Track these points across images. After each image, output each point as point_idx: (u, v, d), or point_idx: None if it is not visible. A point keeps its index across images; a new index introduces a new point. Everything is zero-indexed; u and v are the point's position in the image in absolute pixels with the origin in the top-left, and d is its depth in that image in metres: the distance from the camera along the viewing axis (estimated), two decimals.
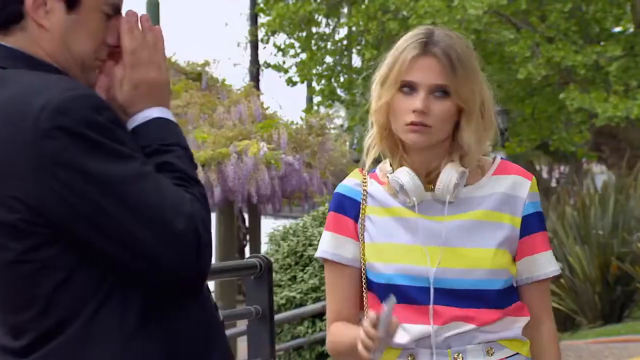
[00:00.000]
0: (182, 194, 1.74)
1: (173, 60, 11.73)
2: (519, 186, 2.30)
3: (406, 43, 2.25)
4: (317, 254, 2.37)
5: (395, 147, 2.30)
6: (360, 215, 2.32)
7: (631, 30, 15.91)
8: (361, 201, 2.32)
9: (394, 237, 2.29)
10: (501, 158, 2.38)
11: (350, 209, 2.33)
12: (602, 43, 15.18)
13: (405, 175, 2.27)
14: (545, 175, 24.16)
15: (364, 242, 2.31)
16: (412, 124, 2.23)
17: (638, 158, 13.83)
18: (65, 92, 1.70)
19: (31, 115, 1.68)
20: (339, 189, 2.37)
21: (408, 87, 2.24)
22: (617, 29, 16.12)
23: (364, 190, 2.32)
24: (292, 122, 11.79)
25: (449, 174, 2.26)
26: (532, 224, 2.30)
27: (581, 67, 14.46)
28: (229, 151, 10.08)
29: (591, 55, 14.49)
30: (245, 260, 6.65)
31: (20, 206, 1.69)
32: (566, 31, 14.94)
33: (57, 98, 1.68)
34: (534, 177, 2.36)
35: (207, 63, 11.91)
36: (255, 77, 18.89)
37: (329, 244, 2.34)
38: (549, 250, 2.33)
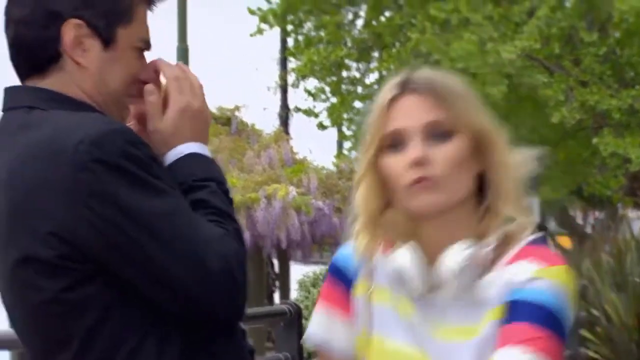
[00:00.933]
0: (216, 231, 1.73)
1: None
2: (520, 274, 1.67)
3: (382, 92, 1.83)
4: (307, 335, 1.88)
5: (401, 229, 1.74)
6: (358, 292, 1.82)
7: None
8: (361, 274, 1.82)
9: (391, 333, 1.75)
10: (532, 240, 1.72)
11: (347, 279, 1.86)
12: (637, 87, 15.01)
13: (403, 257, 1.72)
14: (580, 221, 23.91)
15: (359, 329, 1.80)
16: (415, 181, 1.70)
17: None
18: (102, 127, 1.72)
19: (68, 150, 1.69)
20: (339, 254, 1.91)
21: (395, 141, 1.75)
22: None
23: (369, 260, 1.81)
24: (322, 167, 11.68)
25: (450, 262, 1.67)
26: (514, 311, 1.63)
27: (616, 111, 14.30)
28: (259, 196, 9.99)
29: (626, 99, 14.34)
30: (274, 306, 6.54)
31: (57, 242, 1.67)
32: (600, 75, 14.80)
33: (94, 132, 1.70)
34: (558, 264, 1.68)
35: (236, 108, 11.86)
36: (285, 121, 18.86)
37: (319, 324, 1.86)
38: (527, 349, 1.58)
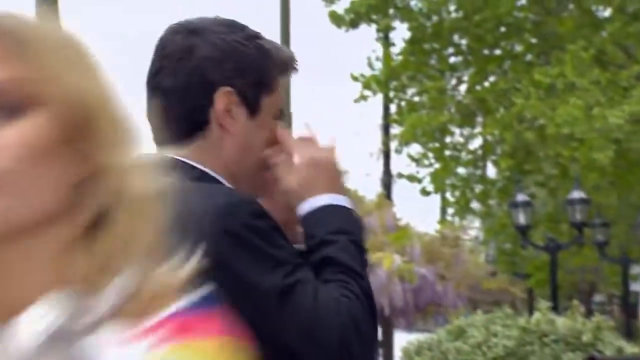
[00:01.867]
0: (337, 302, 1.70)
1: None
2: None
3: None
4: None
5: None
6: None
7: None
8: None
9: None
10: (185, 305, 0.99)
11: None
12: None
13: None
14: None
15: None
16: None
17: None
18: (227, 198, 1.73)
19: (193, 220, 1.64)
20: None
21: None
22: None
23: None
24: (425, 234, 11.55)
25: (22, 337, 0.92)
26: None
27: None
28: None
29: None
30: None
31: None
32: None
33: (219, 203, 1.70)
34: (207, 337, 0.96)
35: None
36: (387, 187, 18.78)
37: None
38: None
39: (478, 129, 18.07)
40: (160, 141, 1.82)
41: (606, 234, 16.87)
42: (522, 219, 14.16)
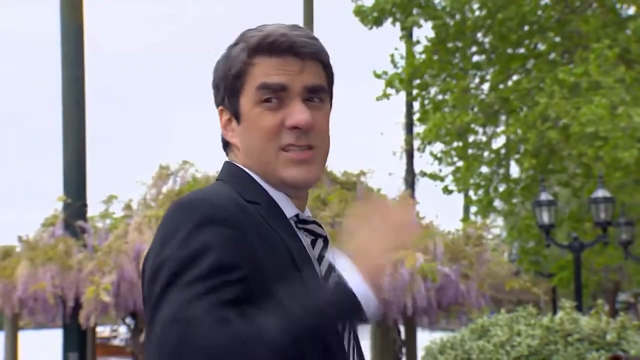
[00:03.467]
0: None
1: (328, 170, 11.71)
2: None
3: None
4: None
5: None
6: None
7: None
8: None
9: None
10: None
11: None
12: None
13: None
14: None
15: None
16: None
17: None
18: (198, 194, 1.86)
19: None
20: None
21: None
22: None
23: None
24: (448, 232, 11.52)
25: None
26: None
27: None
28: (385, 262, 9.91)
29: None
30: None
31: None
32: None
33: (187, 197, 1.86)
34: None
35: (362, 173, 11.83)
36: (410, 185, 18.76)
37: None
38: None
39: (501, 128, 18.02)
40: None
41: (630, 233, 16.80)
42: (545, 218, 14.12)
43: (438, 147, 18.11)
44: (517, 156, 17.80)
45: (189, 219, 1.79)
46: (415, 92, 17.95)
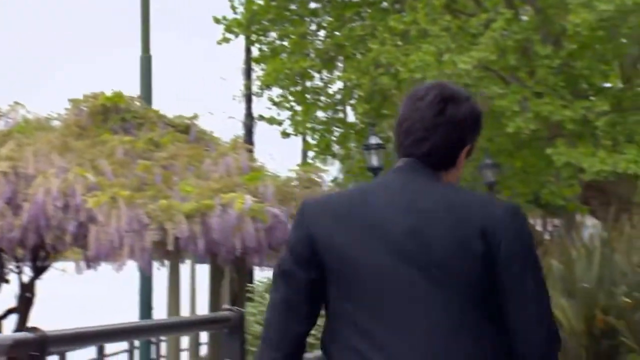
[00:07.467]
0: None
1: (161, 113, 11.87)
2: None
3: None
4: None
5: None
6: None
7: (619, 85, 16.07)
8: None
9: None
10: None
11: None
12: (590, 98, 15.33)
13: None
14: (539, 228, 24.22)
15: None
16: None
17: (625, 211, 13.90)
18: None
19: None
20: None
21: None
22: (606, 85, 16.30)
23: None
24: (278, 175, 11.86)
25: None
26: None
27: (569, 121, 14.59)
28: (214, 203, 10.15)
29: (579, 110, 14.63)
30: (218, 313, 6.69)
31: None
32: (554, 86, 15.09)
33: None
34: None
35: (195, 116, 12.03)
36: (249, 130, 19.03)
37: None
38: None
39: (338, 74, 18.48)
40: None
41: None
42: (375, 161, 14.67)
43: (276, 91, 18.46)
44: (352, 101, 18.33)
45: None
46: (253, 37, 18.18)
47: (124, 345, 16.54)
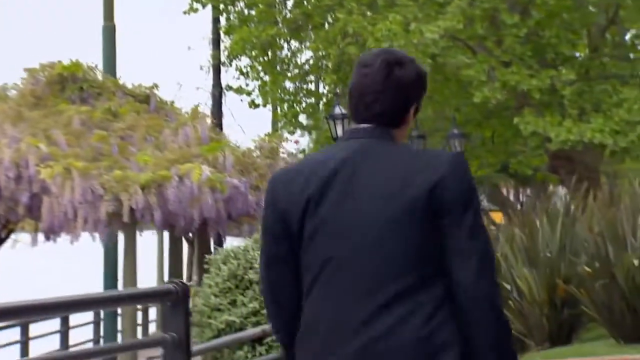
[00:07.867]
0: None
1: (120, 82, 11.73)
2: None
3: None
4: None
5: None
6: None
7: (586, 54, 16.00)
8: None
9: None
10: None
11: None
12: (557, 67, 15.25)
13: None
14: (512, 198, 24.26)
15: None
16: None
17: (592, 180, 13.88)
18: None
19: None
20: None
21: None
22: (573, 54, 16.23)
23: None
24: (238, 146, 11.77)
25: None
26: None
27: (536, 91, 14.51)
28: (170, 174, 10.05)
29: (546, 80, 14.55)
30: (161, 285, 6.59)
31: None
32: (522, 55, 15.01)
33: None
34: None
35: (155, 86, 11.90)
36: (218, 100, 18.89)
37: None
38: None
39: (307, 44, 18.34)
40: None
41: (422, 145, 17.50)
42: (340, 131, 14.57)
43: (245, 61, 18.30)
44: (320, 72, 18.20)
45: None
46: (221, 6, 18.00)
47: (89, 316, 16.48)
